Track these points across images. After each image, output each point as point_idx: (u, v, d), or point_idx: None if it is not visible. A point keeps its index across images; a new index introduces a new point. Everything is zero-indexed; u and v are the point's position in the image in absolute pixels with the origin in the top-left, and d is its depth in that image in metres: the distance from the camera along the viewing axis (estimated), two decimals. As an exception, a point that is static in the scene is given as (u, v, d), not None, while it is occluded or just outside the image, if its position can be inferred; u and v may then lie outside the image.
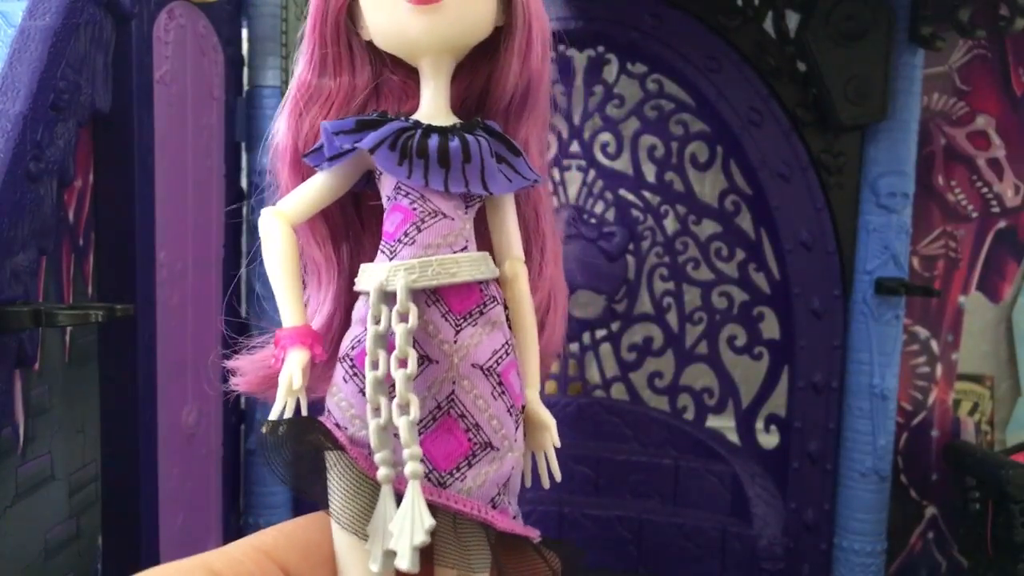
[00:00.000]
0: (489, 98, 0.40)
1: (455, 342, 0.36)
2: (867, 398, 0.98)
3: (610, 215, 1.15)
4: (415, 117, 0.38)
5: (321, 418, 0.37)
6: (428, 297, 0.36)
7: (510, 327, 0.39)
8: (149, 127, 0.72)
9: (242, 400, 0.99)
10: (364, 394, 0.35)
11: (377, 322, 0.35)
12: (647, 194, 1.14)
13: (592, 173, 1.15)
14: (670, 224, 1.13)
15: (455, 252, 0.36)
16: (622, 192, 1.15)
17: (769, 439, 1.08)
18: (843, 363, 1.01)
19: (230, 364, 0.41)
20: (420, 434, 0.35)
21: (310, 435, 0.36)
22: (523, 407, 0.38)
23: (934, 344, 1.06)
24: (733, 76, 0.98)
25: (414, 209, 0.36)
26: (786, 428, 1.04)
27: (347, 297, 0.40)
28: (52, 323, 0.53)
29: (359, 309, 0.37)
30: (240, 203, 0.97)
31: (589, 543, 1.06)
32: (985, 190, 1.04)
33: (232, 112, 0.92)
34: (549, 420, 0.39)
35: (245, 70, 0.95)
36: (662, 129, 1.11)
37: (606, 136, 1.15)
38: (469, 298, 0.37)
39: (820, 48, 0.94)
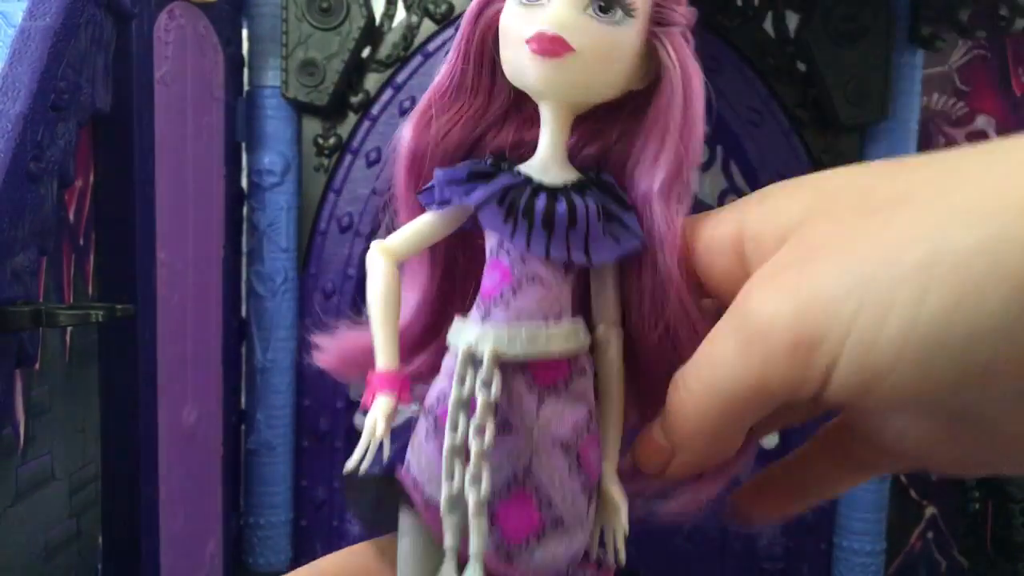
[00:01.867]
0: (628, 161, 0.37)
1: (537, 416, 0.35)
2: (867, 398, 0.98)
3: (610, 215, 1.15)
4: (529, 163, 0.37)
5: (401, 472, 0.36)
6: (515, 367, 0.35)
7: (596, 398, 0.37)
8: (149, 127, 0.72)
9: (242, 400, 0.99)
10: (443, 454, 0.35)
11: (462, 383, 0.34)
12: (647, 194, 1.14)
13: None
14: (670, 224, 1.13)
15: (548, 320, 0.35)
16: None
17: (769, 438, 1.08)
18: (843, 363, 1.01)
19: (314, 338, 0.41)
20: (494, 503, 0.35)
21: (388, 490, 0.36)
22: (598, 481, 0.37)
23: (934, 344, 1.06)
24: (733, 76, 0.98)
25: (512, 272, 0.36)
26: (786, 428, 1.04)
27: (430, 308, 0.40)
28: (52, 323, 0.53)
29: (447, 362, 0.37)
30: (240, 203, 0.97)
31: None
32: (985, 190, 1.04)
33: (232, 112, 0.92)
34: (621, 501, 0.38)
35: (245, 70, 0.95)
36: (662, 129, 1.11)
37: (606, 136, 1.15)
38: (556, 370, 0.36)
39: (820, 48, 0.94)
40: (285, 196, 0.95)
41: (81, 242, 0.65)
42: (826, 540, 1.02)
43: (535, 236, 0.34)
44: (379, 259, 0.37)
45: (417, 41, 0.95)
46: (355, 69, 0.94)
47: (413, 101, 0.96)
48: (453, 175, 0.36)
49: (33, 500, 0.59)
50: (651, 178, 0.36)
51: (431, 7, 0.94)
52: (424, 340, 0.40)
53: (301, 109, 0.95)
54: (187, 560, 0.85)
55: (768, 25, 0.99)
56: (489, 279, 0.36)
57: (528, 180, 0.36)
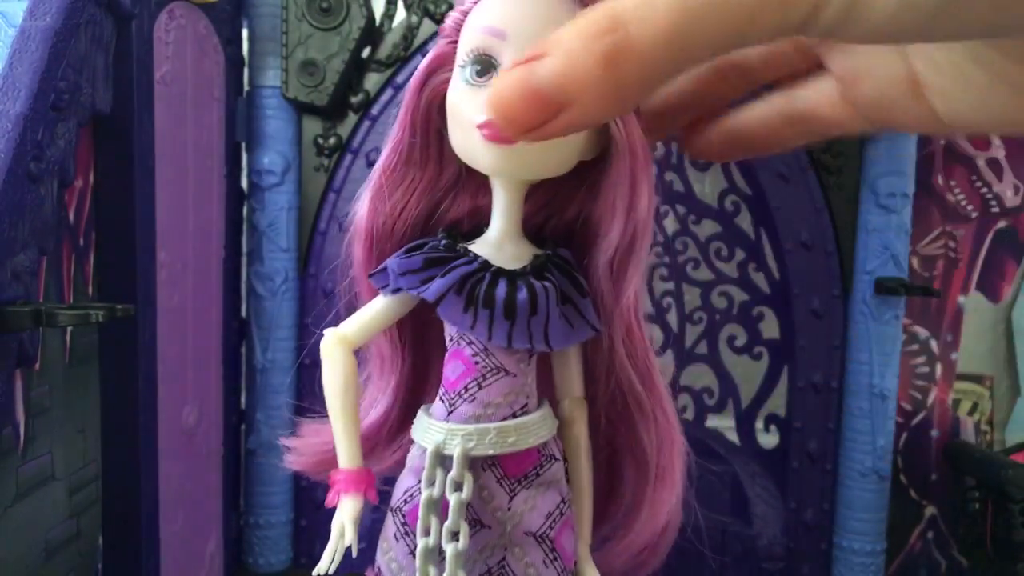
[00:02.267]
0: (588, 230, 0.36)
1: (508, 509, 0.35)
2: (867, 398, 0.98)
3: (610, 215, 1.15)
4: (485, 237, 0.36)
5: (369, 574, 0.36)
6: (484, 462, 0.35)
7: (567, 481, 0.37)
8: (149, 127, 0.72)
9: (242, 400, 0.99)
10: (415, 555, 0.34)
11: (432, 484, 0.34)
12: (647, 194, 1.14)
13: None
14: (670, 224, 1.13)
15: (515, 411, 0.35)
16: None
17: (769, 439, 1.08)
18: (843, 363, 1.01)
19: (286, 442, 0.41)
20: None
21: None
22: (575, 562, 0.37)
23: (934, 344, 1.06)
24: (733, 76, 0.98)
25: (476, 363, 0.35)
26: (786, 428, 1.04)
27: (405, 392, 0.39)
28: (52, 323, 0.53)
29: (413, 458, 0.36)
30: (240, 203, 0.97)
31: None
32: (985, 190, 1.04)
33: (232, 112, 0.92)
34: None
35: (245, 70, 0.95)
36: (662, 129, 1.11)
37: (606, 136, 1.15)
38: (526, 460, 0.35)
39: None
40: (285, 196, 0.95)
41: (81, 242, 0.65)
42: (826, 540, 1.02)
43: (496, 326, 0.34)
44: (336, 349, 0.36)
45: (417, 41, 0.95)
46: (355, 69, 0.94)
47: (413, 101, 0.96)
48: (408, 264, 0.35)
49: (33, 500, 0.59)
50: (603, 252, 0.35)
51: (431, 7, 0.94)
52: (399, 431, 0.39)
53: (301, 109, 0.95)
54: (187, 560, 0.85)
55: (768, 25, 0.99)
56: (451, 369, 0.35)
57: (485, 265, 0.35)
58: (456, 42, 0.35)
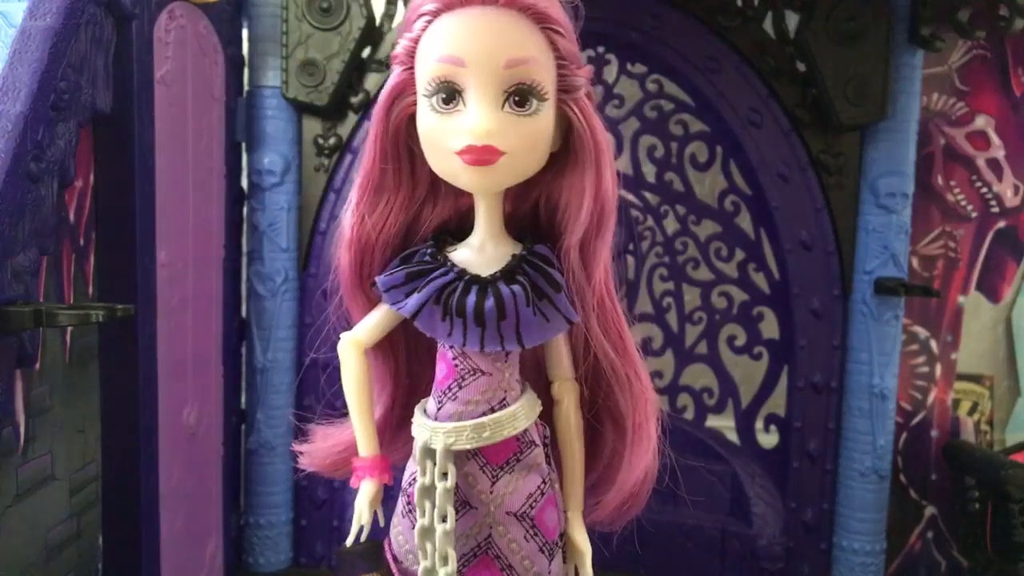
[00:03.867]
0: (558, 215, 0.39)
1: (491, 492, 0.39)
2: (866, 398, 0.98)
3: (610, 215, 1.15)
4: (469, 241, 0.39)
5: (386, 546, 0.41)
6: (467, 452, 0.39)
7: (549, 462, 0.41)
8: (150, 127, 0.72)
9: (243, 400, 0.99)
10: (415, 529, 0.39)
11: (424, 474, 0.38)
12: (647, 194, 1.14)
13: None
14: (670, 224, 1.13)
15: (493, 406, 0.38)
16: (622, 192, 1.14)
17: (769, 439, 1.08)
18: (842, 363, 1.01)
19: (299, 448, 0.44)
20: (463, 569, 0.39)
21: (377, 560, 0.41)
22: (562, 534, 0.41)
23: (933, 344, 1.06)
24: (733, 76, 0.98)
25: (456, 366, 0.39)
26: (786, 428, 1.04)
27: (403, 392, 0.43)
28: (53, 323, 0.53)
29: (415, 448, 0.41)
30: (240, 203, 0.97)
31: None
32: (984, 190, 1.04)
33: (232, 112, 0.92)
34: (584, 548, 0.41)
35: (246, 70, 0.95)
36: (662, 129, 1.11)
37: (606, 136, 1.15)
38: (506, 449, 0.39)
39: (820, 48, 0.94)
40: (285, 196, 0.95)
41: (81, 242, 0.66)
42: (826, 540, 1.02)
43: (469, 332, 0.37)
44: (349, 351, 0.41)
45: (417, 41, 0.95)
46: (355, 69, 0.94)
47: (413, 101, 0.96)
48: (391, 281, 0.38)
49: (33, 500, 0.59)
50: (573, 234, 0.37)
51: (431, 7, 0.94)
52: (400, 427, 0.44)
53: (301, 109, 0.95)
54: (187, 560, 0.85)
55: (768, 25, 0.99)
56: (440, 370, 0.39)
57: (461, 274, 0.38)
58: (412, 68, 0.36)
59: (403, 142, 0.38)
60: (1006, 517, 0.93)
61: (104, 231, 0.68)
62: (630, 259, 1.15)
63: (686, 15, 0.99)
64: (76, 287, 0.65)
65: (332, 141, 0.96)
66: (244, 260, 0.98)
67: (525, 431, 0.39)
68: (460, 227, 0.40)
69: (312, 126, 0.96)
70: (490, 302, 0.36)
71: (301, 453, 0.45)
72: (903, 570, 1.07)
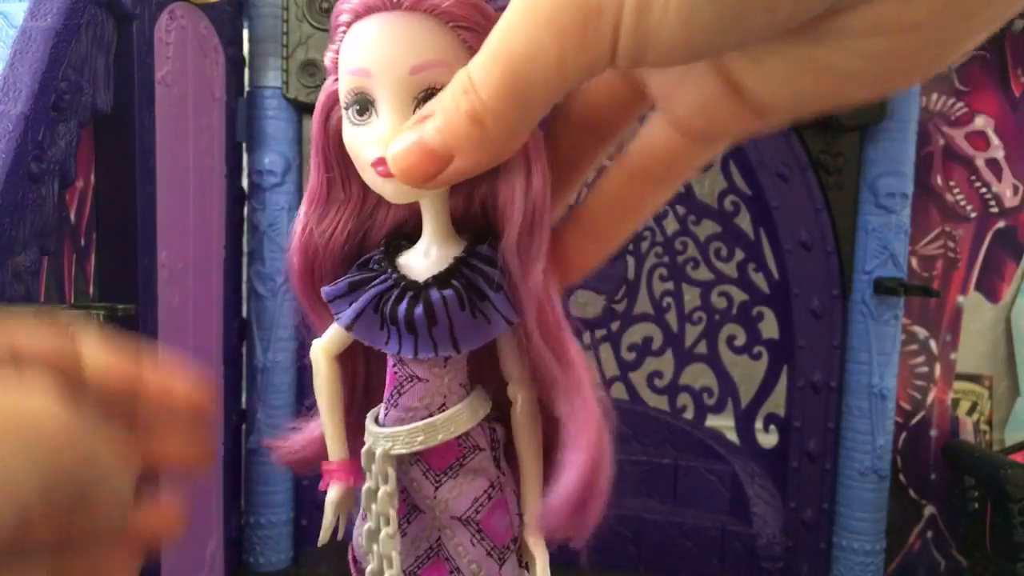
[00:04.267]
0: (498, 215, 0.38)
1: (435, 497, 0.39)
2: (866, 398, 0.98)
3: (610, 215, 1.15)
4: (419, 244, 0.38)
5: (350, 549, 0.42)
6: (410, 457, 0.39)
7: (498, 466, 0.41)
8: (150, 127, 0.72)
9: (243, 399, 0.99)
10: None
11: (369, 479, 0.39)
12: (647, 194, 1.14)
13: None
14: (669, 224, 1.13)
15: (432, 412, 0.38)
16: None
17: (768, 439, 1.08)
18: (842, 363, 1.01)
19: (271, 443, 0.45)
20: (418, 570, 0.40)
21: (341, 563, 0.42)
22: (515, 539, 0.41)
23: (933, 344, 1.06)
24: (732, 76, 0.99)
25: (395, 373, 0.39)
26: (785, 428, 1.04)
27: (360, 400, 0.43)
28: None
29: None
30: (241, 203, 0.97)
31: (588, 542, 1.06)
32: (984, 190, 1.04)
33: (233, 113, 0.92)
34: (535, 551, 0.41)
35: (246, 71, 0.95)
36: (662, 129, 1.11)
37: (606, 136, 1.15)
38: (448, 454, 0.39)
39: (819, 49, 0.94)
40: (286, 196, 0.95)
41: (82, 242, 0.66)
42: (825, 539, 1.02)
43: (404, 340, 0.36)
44: (318, 357, 0.41)
45: (417, 42, 0.95)
46: (355, 69, 0.94)
47: (413, 101, 0.96)
48: (335, 291, 0.38)
49: (34, 499, 0.59)
50: (508, 236, 0.36)
51: (431, 8, 0.95)
52: (360, 432, 0.44)
53: (302, 109, 0.95)
54: (187, 560, 0.85)
55: (767, 25, 0.99)
56: (387, 377, 0.39)
57: (398, 281, 0.37)
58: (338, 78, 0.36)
59: (346, 153, 0.38)
60: (1005, 517, 0.93)
61: (105, 231, 0.69)
62: (630, 259, 1.15)
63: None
64: (77, 287, 0.65)
65: (332, 141, 0.96)
66: (245, 260, 0.98)
67: (467, 435, 0.39)
68: (416, 228, 0.39)
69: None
70: (419, 309, 0.36)
71: (272, 448, 0.45)
72: (902, 570, 1.07)
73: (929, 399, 1.07)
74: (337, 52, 0.35)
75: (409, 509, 0.40)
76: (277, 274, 0.96)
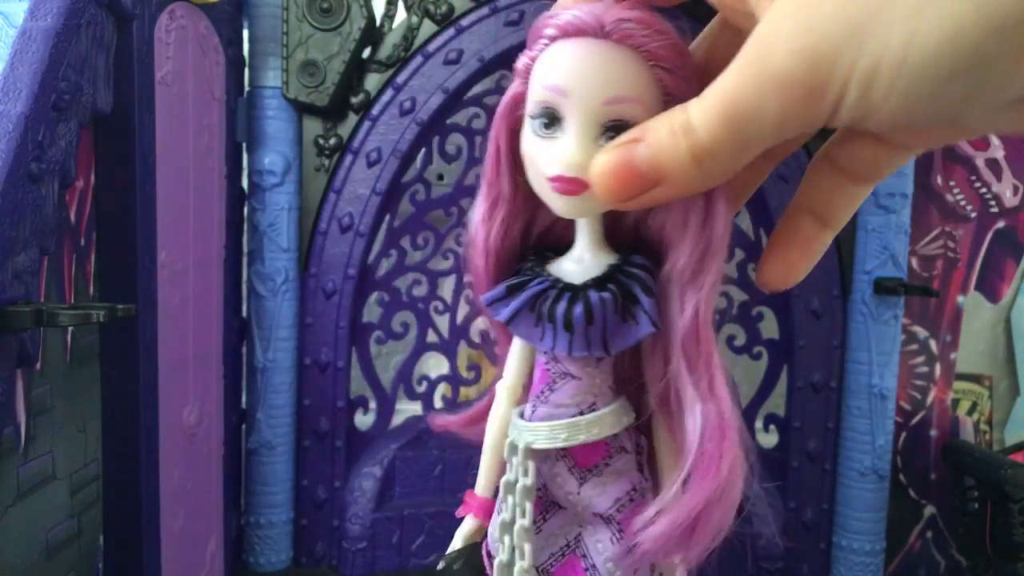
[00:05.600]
0: (657, 237, 0.38)
1: (579, 493, 0.40)
2: (866, 398, 0.98)
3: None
4: (570, 253, 0.39)
5: (484, 544, 0.43)
6: (557, 452, 0.40)
7: (641, 471, 0.41)
8: (150, 127, 0.72)
9: (243, 399, 0.99)
10: None
11: (509, 471, 0.40)
12: (647, 194, 1.14)
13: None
14: (670, 224, 1.13)
15: (583, 410, 0.39)
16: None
17: (768, 438, 1.08)
18: (842, 363, 1.01)
19: (431, 418, 0.47)
20: (550, 567, 0.41)
21: (475, 559, 0.43)
22: None
23: (933, 344, 1.06)
24: (732, 76, 0.99)
25: (548, 370, 0.40)
26: (785, 428, 1.04)
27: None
28: (53, 323, 0.53)
29: None
30: (241, 203, 0.97)
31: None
32: (984, 190, 1.04)
33: (233, 113, 0.92)
34: (678, 568, 0.41)
35: (246, 71, 0.95)
36: (662, 129, 1.11)
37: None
38: (595, 453, 0.40)
39: (819, 49, 0.94)
40: (286, 196, 0.95)
41: (82, 242, 0.66)
42: (825, 539, 1.02)
43: (559, 338, 0.38)
44: (503, 397, 0.43)
45: (417, 42, 0.95)
46: (356, 69, 0.94)
47: (413, 102, 0.96)
48: (494, 295, 0.40)
49: (34, 500, 0.59)
50: (673, 261, 0.37)
51: (431, 8, 0.95)
52: None
53: (302, 109, 0.95)
54: (187, 560, 0.85)
55: (767, 25, 0.99)
56: (536, 375, 0.41)
57: (555, 284, 0.39)
58: (527, 83, 0.37)
59: (516, 152, 0.38)
60: (1005, 517, 0.93)
61: (105, 231, 0.69)
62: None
63: (685, 15, 0.99)
64: (77, 287, 0.65)
65: (332, 141, 0.96)
66: (244, 260, 0.98)
67: (615, 436, 0.40)
68: (563, 236, 0.40)
69: (313, 126, 0.96)
70: (579, 308, 0.37)
71: (443, 418, 0.47)
72: (902, 570, 1.07)
73: (929, 399, 1.07)
74: (533, 60, 0.36)
75: (546, 506, 0.41)
76: (277, 274, 0.96)
